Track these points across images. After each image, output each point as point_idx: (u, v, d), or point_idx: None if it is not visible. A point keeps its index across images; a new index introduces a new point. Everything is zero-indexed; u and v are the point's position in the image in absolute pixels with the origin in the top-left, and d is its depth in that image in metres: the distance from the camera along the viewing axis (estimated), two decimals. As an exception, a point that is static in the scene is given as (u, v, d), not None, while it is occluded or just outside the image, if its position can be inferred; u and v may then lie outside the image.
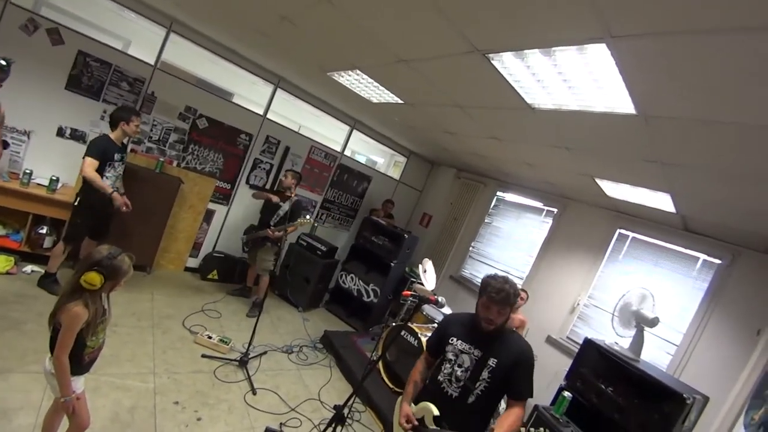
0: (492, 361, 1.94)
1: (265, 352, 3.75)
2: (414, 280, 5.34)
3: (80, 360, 1.70)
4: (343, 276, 5.60)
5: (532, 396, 1.94)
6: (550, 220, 5.10)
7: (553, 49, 1.78)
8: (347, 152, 6.14)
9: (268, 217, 4.46)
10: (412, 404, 2.08)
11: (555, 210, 5.07)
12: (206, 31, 4.16)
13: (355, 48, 2.79)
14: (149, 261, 4.42)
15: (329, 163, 5.87)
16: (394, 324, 4.12)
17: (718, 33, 1.28)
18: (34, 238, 3.70)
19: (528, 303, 4.37)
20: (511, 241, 5.54)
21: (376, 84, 3.45)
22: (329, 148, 5.81)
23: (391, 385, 3.79)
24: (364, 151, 7.92)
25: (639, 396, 2.69)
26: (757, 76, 1.40)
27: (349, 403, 2.23)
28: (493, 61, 2.11)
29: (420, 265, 4.45)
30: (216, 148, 4.79)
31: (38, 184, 3.65)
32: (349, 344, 4.45)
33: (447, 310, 3.90)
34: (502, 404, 3.06)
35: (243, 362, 3.37)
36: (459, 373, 2.00)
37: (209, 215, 5.01)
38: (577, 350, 3.28)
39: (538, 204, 5.31)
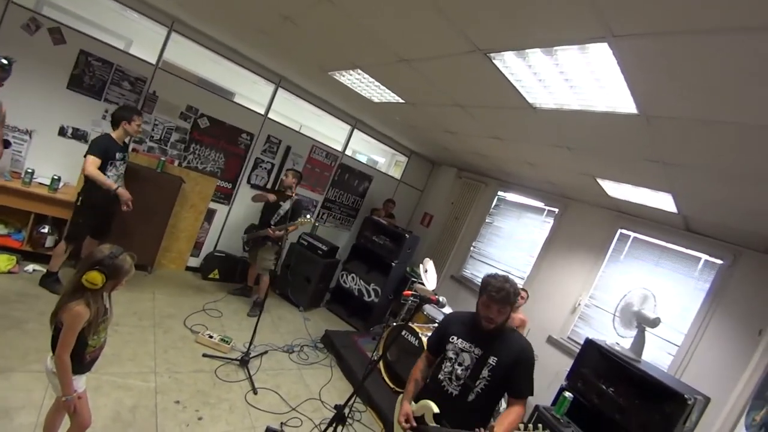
0: (492, 360, 1.95)
1: (266, 352, 3.75)
2: (415, 279, 5.34)
3: (82, 359, 1.70)
4: (344, 275, 5.60)
5: (532, 394, 1.94)
6: (551, 220, 5.09)
7: (555, 48, 1.78)
8: (348, 152, 6.13)
9: (268, 216, 4.46)
10: (413, 402, 2.08)
11: (556, 210, 5.07)
12: (208, 31, 4.16)
13: (356, 47, 2.79)
14: (151, 260, 4.42)
15: (330, 163, 5.87)
16: (395, 324, 4.12)
17: (719, 33, 1.28)
18: (36, 238, 3.71)
19: (529, 303, 4.36)
20: (512, 240, 5.54)
21: (377, 83, 3.45)
22: (330, 147, 5.82)
23: (391, 385, 3.79)
24: (365, 150, 7.92)
25: (640, 396, 2.69)
26: (757, 76, 1.40)
27: (350, 402, 2.23)
28: (494, 61, 2.11)
29: (421, 265, 4.45)
30: (217, 147, 4.79)
31: (40, 184, 3.66)
32: (350, 344, 4.45)
33: (448, 310, 3.90)
34: (503, 404, 3.06)
35: (244, 362, 3.38)
36: (459, 371, 2.01)
37: (210, 215, 5.01)
38: (578, 350, 3.28)
39: (540, 204, 5.30)
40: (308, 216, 4.15)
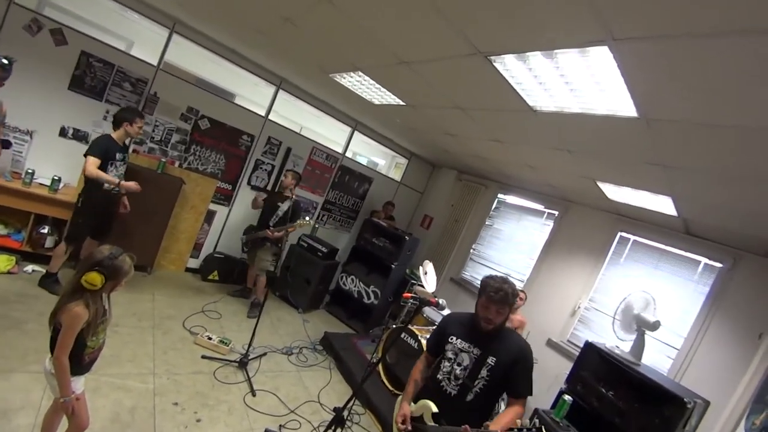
0: (491, 360, 1.96)
1: (264, 354, 3.75)
2: (414, 282, 5.33)
3: (80, 360, 1.70)
4: (344, 277, 5.60)
5: (531, 394, 1.95)
6: (551, 223, 5.09)
7: (555, 51, 1.78)
8: (348, 154, 6.14)
9: (267, 217, 4.47)
10: (412, 403, 2.08)
11: (556, 212, 5.07)
12: (209, 32, 4.17)
13: (356, 49, 2.80)
14: (150, 261, 4.42)
15: (330, 165, 5.88)
16: (394, 326, 4.11)
17: (718, 35, 1.28)
18: (36, 238, 3.71)
19: (529, 306, 4.36)
20: (512, 243, 5.54)
21: (377, 86, 3.46)
22: (331, 149, 5.82)
23: (390, 388, 3.78)
24: (366, 152, 7.92)
25: (640, 400, 2.68)
26: (757, 78, 1.41)
27: (349, 405, 2.23)
28: (494, 63, 2.11)
29: (421, 267, 4.45)
30: (218, 148, 4.80)
31: (40, 184, 3.66)
32: (349, 346, 4.44)
33: (447, 313, 3.89)
34: (502, 406, 3.05)
35: (243, 363, 3.37)
36: (458, 371, 2.02)
37: (210, 216, 5.01)
38: (577, 353, 3.27)
39: (540, 206, 5.31)
40: (307, 218, 4.15)
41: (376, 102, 4.03)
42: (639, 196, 3.41)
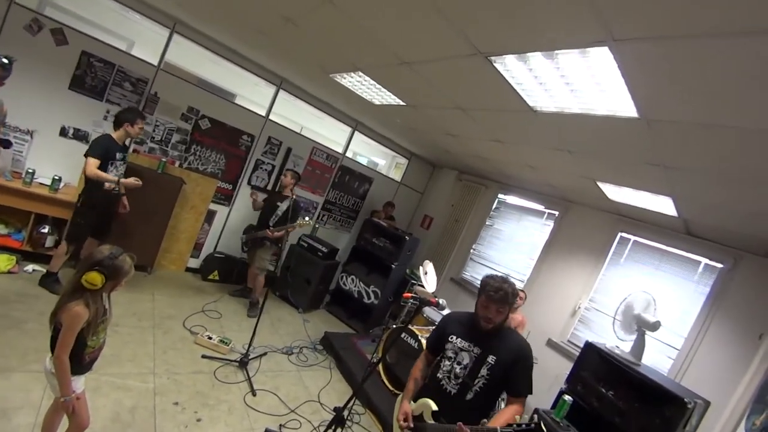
0: (491, 358, 1.96)
1: (265, 353, 3.75)
2: (415, 282, 5.33)
3: (81, 359, 1.70)
4: (344, 277, 5.60)
5: (531, 393, 1.96)
6: (551, 223, 5.09)
7: (556, 52, 1.78)
8: (349, 154, 6.14)
9: (267, 216, 4.47)
10: (412, 401, 2.09)
11: (556, 213, 5.07)
12: (209, 32, 4.17)
13: (357, 49, 2.80)
14: (150, 261, 4.42)
15: (331, 165, 5.88)
16: (394, 326, 4.11)
17: (719, 36, 1.28)
18: (36, 238, 3.71)
19: (529, 306, 4.35)
20: (513, 243, 5.54)
21: (378, 86, 3.46)
22: (331, 149, 5.82)
23: (391, 387, 3.78)
24: (366, 152, 7.93)
25: (640, 400, 2.68)
26: (757, 79, 1.41)
27: (349, 405, 2.23)
28: (495, 64, 2.11)
29: (421, 267, 4.45)
30: (218, 148, 4.80)
31: (41, 184, 3.66)
32: (350, 346, 4.45)
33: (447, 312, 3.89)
34: (502, 405, 3.05)
35: (243, 363, 3.37)
36: (458, 370, 2.02)
37: (211, 216, 5.01)
38: (578, 354, 3.26)
39: (540, 207, 5.31)
40: (307, 218, 4.15)
41: (377, 102, 4.03)
42: (639, 197, 3.40)
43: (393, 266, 5.25)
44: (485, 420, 1.68)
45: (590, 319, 4.36)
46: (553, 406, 2.99)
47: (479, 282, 2.05)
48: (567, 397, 2.88)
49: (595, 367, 3.01)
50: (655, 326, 2.92)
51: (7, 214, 3.61)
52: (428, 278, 4.36)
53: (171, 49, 4.19)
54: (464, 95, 2.85)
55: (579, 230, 4.76)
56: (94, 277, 1.62)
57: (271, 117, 5.07)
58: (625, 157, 2.70)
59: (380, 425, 3.34)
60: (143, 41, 4.71)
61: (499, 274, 2.03)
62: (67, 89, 3.77)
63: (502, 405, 2.88)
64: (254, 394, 3.12)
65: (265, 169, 5.25)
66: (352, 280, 5.51)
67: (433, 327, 4.05)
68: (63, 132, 3.85)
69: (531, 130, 2.97)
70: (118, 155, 3.40)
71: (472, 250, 5.95)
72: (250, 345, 3.46)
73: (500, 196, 5.88)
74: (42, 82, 3.64)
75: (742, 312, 3.35)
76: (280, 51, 3.69)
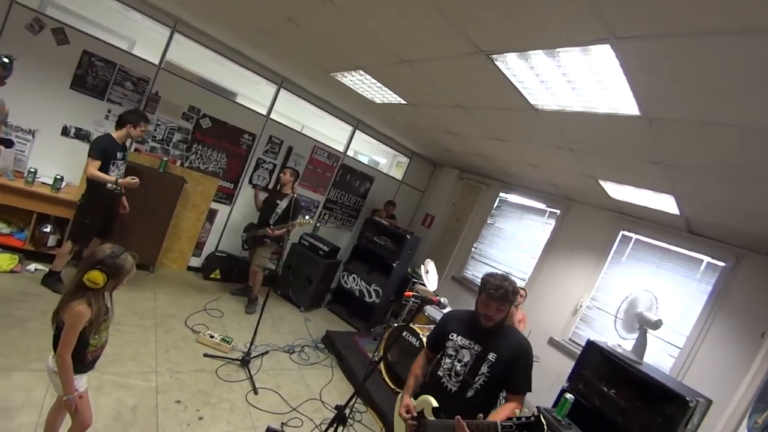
0: (492, 356, 1.97)
1: (266, 352, 3.75)
2: (416, 280, 5.33)
3: (83, 358, 1.71)
4: (345, 276, 5.60)
5: (530, 390, 1.96)
6: (552, 222, 5.09)
7: (557, 50, 1.78)
8: (350, 152, 6.14)
9: (267, 215, 4.48)
10: (412, 398, 2.09)
11: (558, 211, 5.06)
12: (210, 32, 4.17)
13: (358, 48, 2.79)
14: (152, 260, 4.43)
15: (332, 164, 5.88)
16: (395, 324, 4.12)
17: (720, 35, 1.28)
18: (38, 237, 3.72)
19: (531, 304, 4.35)
20: (514, 242, 5.53)
21: (379, 85, 3.45)
22: (332, 148, 5.82)
23: (392, 386, 3.78)
24: (367, 151, 7.92)
25: (641, 398, 2.68)
26: (758, 78, 1.40)
27: (351, 403, 2.23)
28: (496, 62, 2.11)
29: (422, 266, 4.44)
30: (219, 147, 4.80)
31: (43, 183, 3.67)
32: (351, 344, 4.45)
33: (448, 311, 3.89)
34: (502, 402, 3.06)
35: (245, 362, 3.38)
36: (458, 367, 2.03)
37: (212, 215, 5.02)
38: (579, 352, 3.26)
39: (541, 205, 5.30)
40: (307, 217, 4.16)
41: (378, 101, 4.02)
42: (641, 195, 3.40)
43: (394, 265, 5.25)
44: (481, 415, 1.68)
45: (592, 317, 4.36)
46: (555, 405, 2.99)
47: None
48: (569, 396, 2.89)
49: (596, 365, 3.01)
50: (656, 325, 2.92)
51: (10, 214, 3.62)
52: (429, 277, 4.35)
53: (172, 49, 4.19)
54: (465, 93, 2.85)
55: (581, 229, 4.76)
56: (96, 276, 1.62)
57: (272, 116, 5.07)
58: (626, 156, 2.69)
59: (382, 423, 3.34)
60: (144, 40, 4.71)
61: (500, 272, 2.04)
62: (69, 89, 3.78)
63: (502, 401, 2.89)
64: (256, 393, 3.13)
65: (267, 168, 5.26)
66: (354, 278, 5.51)
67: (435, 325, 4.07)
68: (65, 131, 3.86)
69: (532, 128, 2.96)
70: (119, 155, 3.40)
71: (473, 249, 5.95)
72: (251, 344, 3.46)
73: (501, 194, 5.87)
74: (43, 81, 3.64)
75: (744, 311, 3.34)
76: (281, 50, 3.68)
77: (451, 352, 2.08)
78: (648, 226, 4.16)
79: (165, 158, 4.36)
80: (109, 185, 3.29)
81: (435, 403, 1.97)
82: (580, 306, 4.41)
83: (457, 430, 1.68)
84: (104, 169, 3.28)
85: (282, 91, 5.02)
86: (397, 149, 6.65)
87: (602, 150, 2.79)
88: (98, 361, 1.83)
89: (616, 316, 3.06)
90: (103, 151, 3.27)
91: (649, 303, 3.02)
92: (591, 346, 3.10)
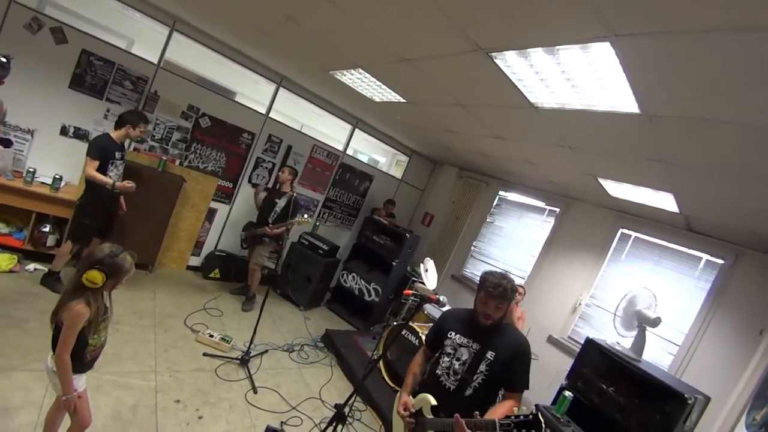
0: (490, 354, 1.97)
1: (266, 351, 3.75)
2: (415, 279, 5.33)
3: (82, 358, 1.70)
4: (345, 275, 5.60)
5: (528, 388, 1.97)
6: (552, 220, 5.09)
7: (557, 47, 1.77)
8: (349, 151, 6.13)
9: (266, 214, 4.48)
10: (411, 396, 2.10)
11: (557, 209, 5.06)
12: (209, 30, 4.16)
13: (357, 47, 2.79)
14: (151, 259, 4.43)
15: (331, 162, 5.87)
16: (395, 323, 4.12)
17: (720, 32, 1.28)
18: (37, 237, 3.72)
19: (530, 303, 4.36)
20: (513, 240, 5.53)
21: (378, 83, 3.45)
22: (331, 147, 5.81)
23: (392, 384, 3.79)
24: (366, 150, 7.92)
25: (640, 396, 2.68)
26: (758, 76, 1.40)
27: (350, 402, 2.23)
28: (496, 60, 2.10)
29: (421, 265, 4.45)
30: (218, 146, 4.80)
31: (42, 183, 3.66)
32: (351, 343, 4.45)
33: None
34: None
35: (244, 361, 3.38)
36: (457, 366, 2.03)
37: (211, 214, 5.02)
38: (578, 350, 3.27)
39: (541, 203, 5.30)
40: (306, 215, 4.16)
41: (377, 99, 4.02)
42: (640, 193, 3.40)
43: (394, 264, 5.25)
44: (477, 412, 1.69)
45: (591, 315, 4.36)
46: (554, 402, 3.00)
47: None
48: (567, 393, 2.89)
49: (595, 363, 3.01)
50: (655, 322, 2.93)
51: (9, 214, 3.61)
52: (429, 275, 4.36)
53: (171, 48, 4.18)
54: (465, 92, 2.84)
55: (580, 227, 4.76)
56: (95, 276, 1.62)
57: (271, 115, 5.06)
58: (626, 154, 2.69)
59: (381, 421, 3.35)
60: (143, 39, 4.70)
61: (498, 271, 2.04)
62: (67, 88, 3.77)
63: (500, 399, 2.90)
64: (255, 392, 3.13)
65: (266, 167, 5.25)
66: (353, 277, 5.52)
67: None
68: (63, 131, 3.85)
69: (532, 126, 2.96)
70: (117, 155, 3.40)
71: (472, 247, 5.95)
72: (251, 343, 3.46)
73: (501, 193, 5.87)
74: (42, 80, 3.63)
75: (743, 308, 3.35)
76: (280, 49, 3.68)
77: (449, 350, 2.08)
78: (647, 223, 4.17)
79: (164, 157, 4.35)
80: (107, 185, 3.29)
81: (433, 402, 1.97)
82: (579, 304, 4.42)
83: (456, 429, 1.68)
84: (103, 168, 3.28)
85: (281, 90, 5.01)
86: (396, 148, 6.64)
87: (602, 148, 2.79)
88: (97, 360, 1.83)
89: (615, 314, 3.07)
90: (102, 150, 3.27)
91: (648, 301, 3.03)
92: (590, 343, 3.10)
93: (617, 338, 3.09)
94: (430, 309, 4.42)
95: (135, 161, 4.06)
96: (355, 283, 5.47)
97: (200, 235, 4.98)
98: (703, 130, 1.94)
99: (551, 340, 4.48)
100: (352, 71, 3.41)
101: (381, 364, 3.93)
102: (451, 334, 2.10)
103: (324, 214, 6.12)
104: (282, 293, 5.37)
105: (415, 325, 3.86)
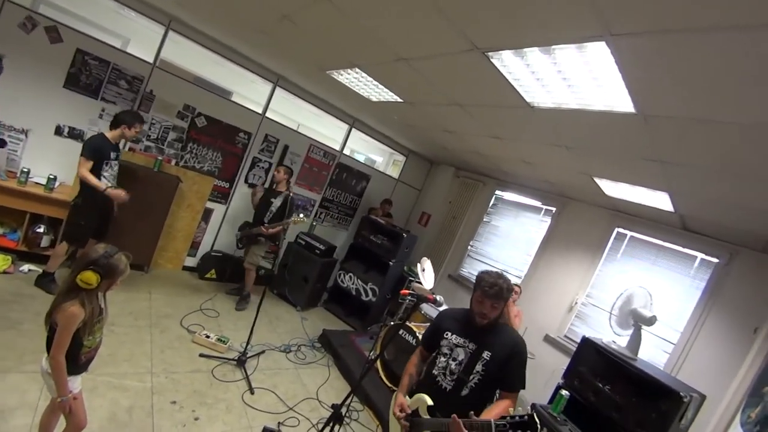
0: (486, 354, 1.97)
1: (263, 352, 3.75)
2: (412, 279, 5.34)
3: (77, 359, 1.69)
4: (342, 275, 5.60)
5: (524, 388, 1.97)
6: (548, 219, 5.10)
7: (553, 47, 1.78)
8: (346, 151, 6.13)
9: (262, 213, 4.47)
10: (407, 397, 2.10)
11: (554, 209, 5.08)
12: (205, 30, 4.14)
13: (354, 46, 2.78)
14: (147, 260, 4.41)
15: (328, 162, 5.86)
16: (392, 323, 4.12)
17: (717, 32, 1.28)
18: (32, 237, 3.69)
19: (526, 302, 4.37)
20: (510, 240, 5.55)
21: (375, 82, 3.44)
22: (328, 146, 5.81)
23: (389, 384, 3.79)
24: (363, 149, 7.92)
25: (636, 394, 2.70)
26: (755, 75, 1.40)
27: (347, 402, 2.23)
28: (492, 60, 2.11)
29: (418, 264, 4.45)
30: (215, 146, 4.78)
31: (36, 183, 3.63)
32: (348, 343, 4.45)
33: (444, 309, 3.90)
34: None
35: (241, 361, 3.37)
36: (453, 366, 2.03)
37: (207, 214, 5.00)
38: (574, 349, 3.28)
39: (537, 203, 5.31)
40: (302, 215, 4.15)
41: (374, 99, 4.02)
42: (636, 192, 3.41)
43: (391, 263, 5.25)
44: (472, 412, 1.69)
45: (587, 314, 4.38)
46: (551, 401, 3.01)
47: (476, 278, 2.06)
48: (564, 392, 2.91)
49: (592, 362, 3.03)
50: (651, 321, 2.94)
51: (2, 214, 3.58)
52: (426, 275, 4.36)
53: (166, 47, 4.16)
54: (461, 91, 2.85)
55: (576, 226, 4.78)
56: (90, 277, 1.61)
57: (267, 114, 5.05)
58: (622, 153, 2.70)
59: (378, 421, 3.35)
60: (138, 39, 4.67)
61: (495, 270, 2.04)
62: (62, 87, 3.74)
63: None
64: (252, 393, 3.12)
65: (262, 167, 5.24)
66: (350, 277, 5.51)
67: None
68: (58, 131, 3.82)
69: (528, 126, 2.97)
70: (112, 155, 3.38)
71: (469, 247, 5.96)
72: (248, 343, 3.45)
73: (498, 192, 5.88)
74: (36, 80, 3.61)
75: (738, 306, 3.37)
76: (277, 48, 3.67)
77: (445, 350, 2.08)
78: (643, 223, 4.19)
79: (160, 157, 4.33)
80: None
81: (430, 402, 1.98)
82: (576, 303, 4.43)
83: (453, 429, 1.68)
84: (97, 169, 3.25)
85: (278, 90, 5.00)
86: (393, 147, 6.64)
87: (597, 147, 2.80)
88: (92, 362, 1.82)
89: (611, 313, 3.08)
90: (96, 151, 3.25)
91: (643, 299, 3.05)
92: (586, 342, 3.12)
93: (613, 337, 3.11)
94: (427, 309, 4.42)
95: (130, 161, 4.04)
96: (352, 283, 5.47)
97: (196, 235, 4.96)
98: (698, 129, 1.95)
99: (548, 339, 4.49)
100: (349, 71, 3.41)
101: (378, 364, 3.93)
102: (447, 334, 2.10)
103: (321, 213, 6.12)
104: (279, 293, 5.36)
105: (412, 324, 3.86)
